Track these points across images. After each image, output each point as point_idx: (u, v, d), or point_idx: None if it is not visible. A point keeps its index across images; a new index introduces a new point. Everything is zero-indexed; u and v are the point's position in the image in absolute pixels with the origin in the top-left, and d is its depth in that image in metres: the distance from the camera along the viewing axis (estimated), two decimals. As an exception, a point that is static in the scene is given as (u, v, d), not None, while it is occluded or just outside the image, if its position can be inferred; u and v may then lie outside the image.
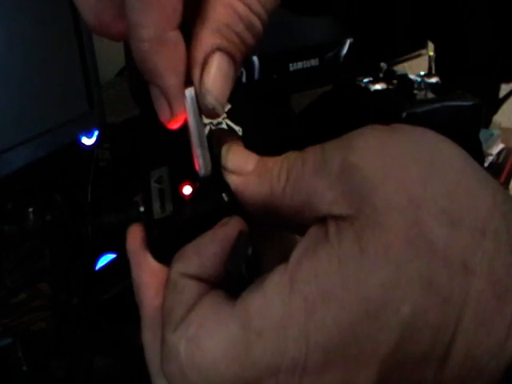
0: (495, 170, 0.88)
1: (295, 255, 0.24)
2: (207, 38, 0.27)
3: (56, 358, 0.56)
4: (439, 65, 0.77)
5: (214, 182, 0.28)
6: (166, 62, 0.27)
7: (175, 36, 0.27)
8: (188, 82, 0.28)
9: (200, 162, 0.29)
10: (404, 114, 0.68)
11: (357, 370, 0.23)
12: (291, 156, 0.27)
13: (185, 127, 0.29)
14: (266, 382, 0.23)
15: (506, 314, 0.22)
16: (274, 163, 0.27)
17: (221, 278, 0.26)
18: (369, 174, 0.24)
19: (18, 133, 0.52)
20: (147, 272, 0.28)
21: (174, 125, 0.29)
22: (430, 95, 0.71)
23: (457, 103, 0.70)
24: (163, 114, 0.29)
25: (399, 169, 0.24)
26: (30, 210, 0.58)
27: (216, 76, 0.28)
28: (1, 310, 0.55)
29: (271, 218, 0.27)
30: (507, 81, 0.77)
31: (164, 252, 0.27)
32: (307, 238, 0.24)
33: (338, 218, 0.24)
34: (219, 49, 0.28)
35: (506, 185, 0.86)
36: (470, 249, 0.23)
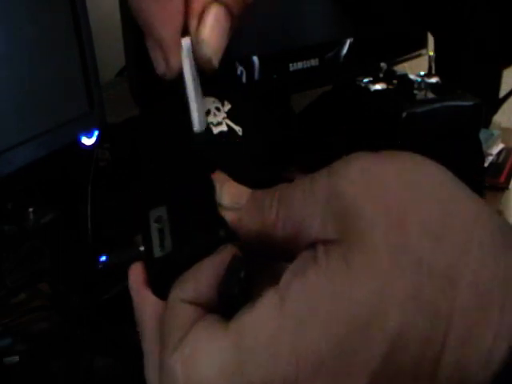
0: (495, 169, 0.88)
1: (285, 277, 0.24)
2: None
3: (56, 357, 0.56)
4: (439, 65, 0.77)
5: (212, 219, 0.28)
6: (162, 12, 0.27)
7: None
8: (185, 34, 0.28)
9: (194, 117, 0.29)
10: (404, 114, 0.68)
11: None
12: (282, 187, 0.27)
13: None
14: None
15: (491, 325, 0.23)
16: (266, 195, 0.27)
17: (217, 303, 0.26)
18: (353, 198, 0.24)
19: (18, 133, 0.52)
20: (149, 309, 0.29)
21: (169, 77, 0.29)
22: (430, 95, 0.71)
23: (457, 103, 0.70)
24: (158, 66, 0.29)
25: (382, 191, 0.24)
26: (30, 210, 0.58)
27: (213, 27, 0.28)
28: (1, 310, 0.55)
29: (266, 248, 0.27)
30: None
31: (165, 289, 0.28)
32: (297, 261, 0.25)
33: (326, 242, 0.24)
34: (217, 1, 0.28)
35: (506, 185, 0.86)
36: (454, 262, 0.23)
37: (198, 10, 0.28)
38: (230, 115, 0.34)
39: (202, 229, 0.29)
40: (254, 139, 0.33)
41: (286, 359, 0.23)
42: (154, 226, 0.30)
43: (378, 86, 0.74)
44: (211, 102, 0.34)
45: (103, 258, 0.60)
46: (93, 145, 0.61)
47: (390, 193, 0.24)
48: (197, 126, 0.29)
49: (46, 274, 0.58)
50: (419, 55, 0.85)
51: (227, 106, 0.34)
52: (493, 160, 0.90)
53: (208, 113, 0.33)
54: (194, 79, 0.29)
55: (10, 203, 0.58)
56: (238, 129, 0.35)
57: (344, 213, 0.24)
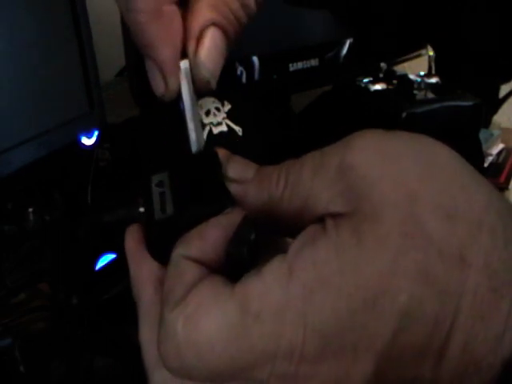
0: (495, 169, 0.88)
1: (294, 246, 0.24)
2: (203, 12, 0.29)
3: (56, 358, 0.56)
4: (439, 65, 0.77)
5: (217, 189, 0.28)
6: (161, 34, 0.28)
7: (172, 10, 0.28)
8: (183, 56, 0.29)
9: (192, 137, 0.29)
10: (404, 114, 0.68)
11: (354, 361, 0.23)
12: (290, 162, 0.27)
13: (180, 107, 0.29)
14: (262, 368, 0.23)
15: (502, 308, 0.22)
16: (273, 170, 0.27)
17: (222, 264, 0.26)
18: (366, 172, 0.24)
19: (18, 133, 0.52)
20: (146, 270, 0.29)
21: (168, 98, 0.30)
22: (430, 95, 0.71)
23: (457, 103, 0.70)
24: (157, 87, 0.29)
25: (396, 167, 0.24)
26: (30, 210, 0.58)
27: (210, 49, 0.29)
28: (1, 309, 0.55)
29: (271, 223, 0.27)
30: (506, 80, 0.77)
31: (163, 253, 0.27)
32: (305, 232, 0.25)
33: (335, 216, 0.24)
34: (214, 24, 0.29)
35: (505, 185, 0.86)
36: (466, 242, 0.23)
37: (195, 32, 0.29)
38: (230, 115, 0.34)
39: (206, 197, 0.29)
40: (253, 139, 0.33)
41: (293, 327, 0.22)
42: (156, 190, 0.30)
43: (377, 86, 0.74)
44: (211, 102, 0.34)
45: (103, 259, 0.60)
46: (93, 145, 0.61)
47: (403, 168, 0.24)
48: (195, 146, 0.30)
49: (46, 274, 0.58)
50: (419, 55, 0.85)
51: (227, 106, 0.34)
52: (493, 160, 0.91)
53: (208, 113, 0.33)
54: (191, 100, 0.29)
55: (10, 203, 0.58)
56: (238, 129, 0.35)
57: (355, 185, 0.24)
